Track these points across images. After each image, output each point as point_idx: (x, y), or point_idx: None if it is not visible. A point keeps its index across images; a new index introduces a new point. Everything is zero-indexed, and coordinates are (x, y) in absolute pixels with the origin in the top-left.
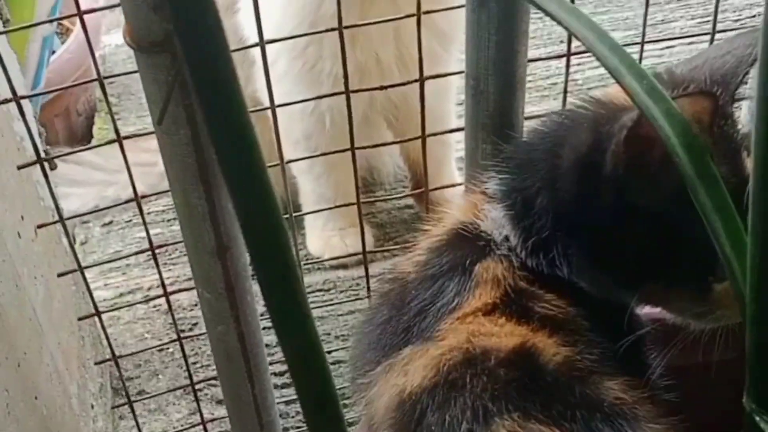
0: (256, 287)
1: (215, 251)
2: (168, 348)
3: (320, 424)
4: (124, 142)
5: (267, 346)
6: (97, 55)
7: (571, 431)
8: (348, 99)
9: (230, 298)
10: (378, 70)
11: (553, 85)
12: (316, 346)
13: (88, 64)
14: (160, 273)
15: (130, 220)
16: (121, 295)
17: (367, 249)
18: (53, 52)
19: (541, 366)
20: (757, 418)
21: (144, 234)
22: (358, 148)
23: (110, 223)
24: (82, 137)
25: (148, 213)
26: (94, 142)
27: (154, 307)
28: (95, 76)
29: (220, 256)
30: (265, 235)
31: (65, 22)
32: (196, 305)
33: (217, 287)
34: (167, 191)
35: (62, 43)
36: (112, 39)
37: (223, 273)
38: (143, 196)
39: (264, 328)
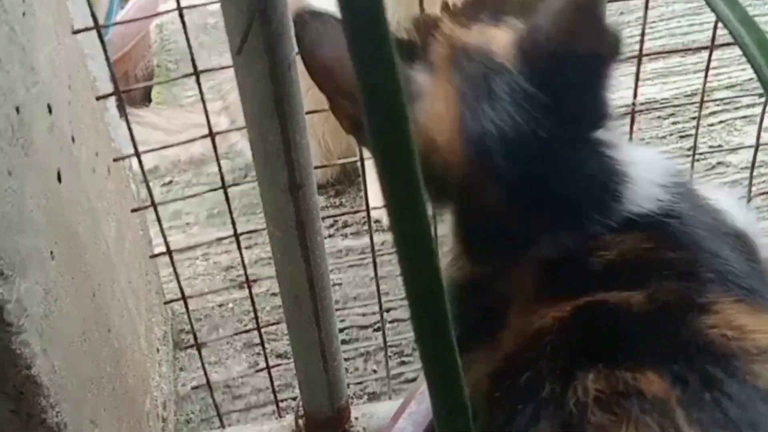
0: (325, 230)
1: (288, 188)
2: (228, 304)
3: (436, 349)
4: (185, 103)
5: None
6: (155, 22)
7: (674, 373)
8: None
9: (300, 237)
10: None
11: None
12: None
13: (147, 30)
14: (230, 211)
15: (190, 180)
16: (181, 251)
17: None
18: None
19: (620, 314)
20: None
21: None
22: None
23: (170, 182)
24: (141, 101)
25: (207, 174)
26: (152, 106)
27: (214, 263)
28: (153, 45)
29: (293, 193)
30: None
31: None
32: (255, 263)
33: (288, 225)
34: (240, 128)
35: (122, 9)
36: (170, 6)
37: (295, 210)
38: (217, 133)
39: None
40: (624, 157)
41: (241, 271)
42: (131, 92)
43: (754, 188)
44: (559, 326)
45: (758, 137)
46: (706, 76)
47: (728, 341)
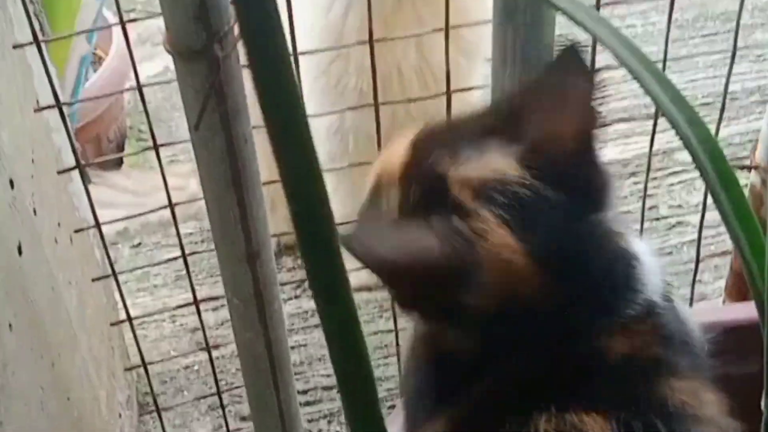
0: (283, 295)
1: (245, 257)
2: (194, 366)
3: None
4: (156, 166)
5: (293, 365)
6: (127, 85)
7: (620, 419)
8: (377, 111)
9: (258, 304)
10: (399, 84)
11: None
12: (363, 353)
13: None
14: (190, 279)
15: (158, 242)
16: (149, 314)
17: None
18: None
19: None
20: None
21: (171, 256)
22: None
23: (138, 245)
24: (112, 164)
25: (176, 236)
26: (124, 168)
27: (181, 325)
28: (126, 106)
29: (250, 262)
30: (317, 238)
31: (99, 52)
32: (222, 324)
33: (246, 293)
34: (201, 198)
35: (95, 71)
36: (145, 70)
37: (252, 279)
38: (176, 204)
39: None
40: (633, 247)
41: (208, 333)
42: (103, 154)
43: (712, 247)
44: (528, 373)
45: (705, 198)
46: (652, 141)
47: (684, 405)
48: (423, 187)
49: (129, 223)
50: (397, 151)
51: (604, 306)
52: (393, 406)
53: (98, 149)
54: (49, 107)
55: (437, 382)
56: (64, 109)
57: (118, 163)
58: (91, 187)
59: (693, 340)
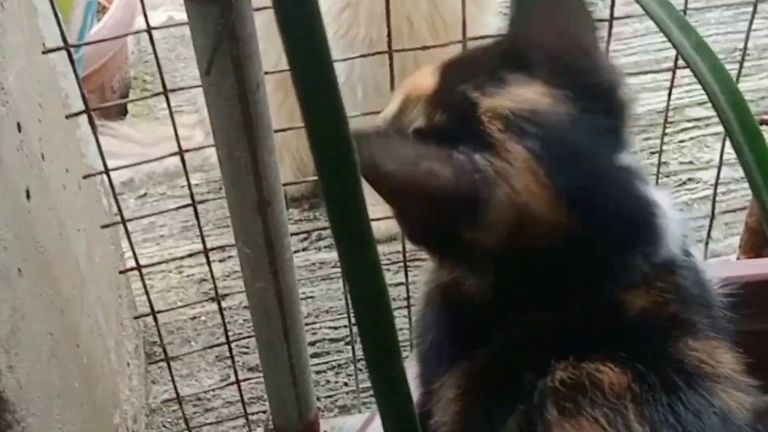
0: (294, 245)
1: (256, 205)
2: (201, 317)
3: (386, 376)
4: (160, 116)
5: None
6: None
7: (638, 372)
8: (391, 58)
9: (269, 254)
10: (410, 35)
11: None
12: (385, 297)
13: (124, 41)
14: (200, 227)
15: (164, 193)
16: (157, 263)
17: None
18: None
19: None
20: None
21: (176, 206)
22: None
23: (144, 195)
24: (116, 114)
25: (182, 187)
26: (128, 118)
27: (188, 276)
28: (129, 56)
29: (261, 211)
30: (342, 181)
31: (103, 1)
32: (228, 276)
33: (257, 242)
34: (210, 146)
35: (98, 20)
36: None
37: (263, 228)
38: (186, 150)
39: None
40: (656, 197)
41: (216, 284)
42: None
43: (724, 204)
44: (546, 325)
45: (722, 154)
46: (669, 95)
47: (701, 364)
48: (450, 113)
49: (134, 174)
50: (426, 75)
51: (624, 253)
52: (404, 358)
53: (102, 99)
54: (56, 49)
55: (451, 333)
56: (77, 43)
57: (123, 114)
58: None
59: (711, 297)
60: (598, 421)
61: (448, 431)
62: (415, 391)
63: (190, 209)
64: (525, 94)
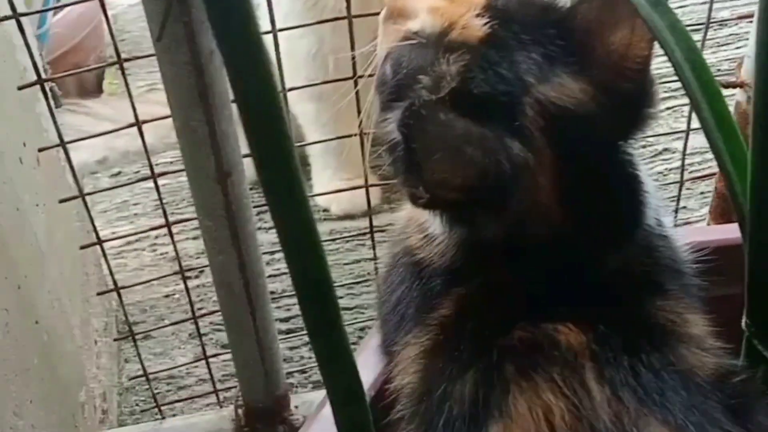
0: (264, 224)
1: (215, 177)
2: (174, 295)
3: (334, 373)
4: (135, 94)
5: (272, 293)
6: (110, 13)
7: (598, 332)
8: (350, 24)
9: (231, 226)
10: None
11: None
12: (330, 293)
13: (98, 20)
14: (161, 200)
15: (138, 171)
16: (128, 242)
17: (373, 201)
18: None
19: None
20: (755, 341)
21: (152, 185)
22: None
23: (118, 173)
24: (92, 91)
25: (157, 164)
26: (103, 96)
27: (161, 254)
28: (105, 33)
29: (221, 182)
30: (276, 158)
31: None
32: (203, 253)
33: (218, 214)
34: (167, 117)
35: None
36: None
37: (224, 199)
38: (144, 122)
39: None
40: (641, 174)
41: (189, 262)
42: (83, 82)
43: (697, 173)
44: (510, 286)
45: (689, 122)
46: None
47: (667, 323)
48: (496, 85)
49: (109, 152)
50: (472, 5)
51: (613, 230)
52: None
53: (78, 78)
54: (5, 18)
55: (416, 291)
56: (34, 29)
57: (98, 92)
58: (70, 116)
59: (682, 262)
60: (553, 379)
61: (410, 392)
62: (377, 360)
63: (163, 187)
64: (572, 91)
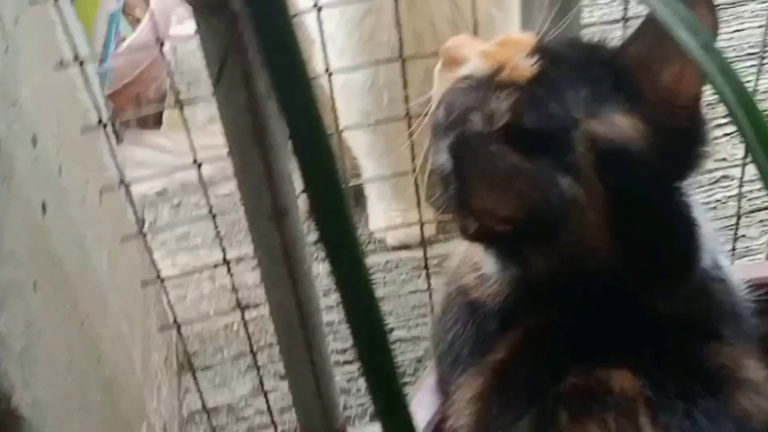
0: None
1: (272, 215)
2: (233, 326)
3: (385, 399)
4: (195, 127)
5: (329, 324)
6: (166, 46)
7: (652, 378)
8: (403, 65)
9: (287, 264)
10: (433, 37)
11: None
12: (378, 321)
13: (158, 53)
14: (219, 237)
15: (198, 202)
16: (188, 273)
17: (429, 232)
18: (122, 38)
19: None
20: None
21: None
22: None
23: (178, 205)
24: (152, 124)
25: (216, 196)
26: (163, 129)
27: (221, 285)
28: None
29: (277, 221)
30: (326, 197)
31: (135, 13)
32: (262, 283)
33: (274, 252)
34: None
35: (133, 30)
36: (182, 30)
37: (280, 237)
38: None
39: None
40: (697, 216)
41: (247, 293)
42: (143, 116)
43: (758, 202)
44: (565, 329)
45: (746, 151)
46: None
47: (722, 370)
48: (545, 120)
49: (168, 184)
50: (522, 44)
51: (666, 271)
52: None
53: (138, 110)
54: (67, 65)
55: (470, 332)
56: (96, 67)
57: (158, 124)
58: (129, 147)
59: (738, 304)
60: (607, 426)
61: None
62: (434, 398)
63: (222, 219)
64: (624, 128)
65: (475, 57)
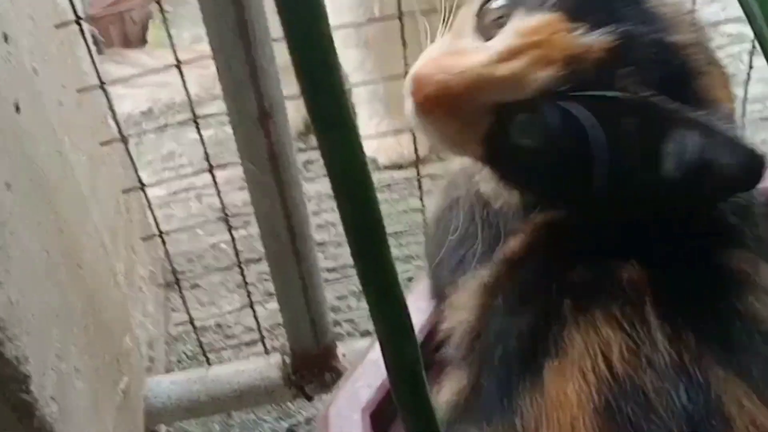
0: (310, 174)
1: (257, 118)
2: (220, 244)
3: (385, 310)
4: (180, 45)
5: (319, 244)
6: None
7: (658, 270)
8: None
9: (273, 168)
10: None
11: None
12: (381, 234)
13: None
14: (204, 146)
15: (184, 122)
16: (175, 193)
17: (422, 150)
18: None
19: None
20: None
21: (197, 135)
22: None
23: (165, 125)
24: (136, 43)
25: (202, 116)
26: (147, 47)
27: (208, 205)
28: None
29: (263, 123)
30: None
31: None
32: (249, 204)
33: (261, 156)
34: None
35: None
36: None
37: (266, 140)
38: (184, 63)
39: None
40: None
41: (235, 211)
42: (127, 34)
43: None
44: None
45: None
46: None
47: (739, 273)
48: None
49: (153, 103)
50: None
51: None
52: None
53: (122, 29)
54: None
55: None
56: None
57: (142, 42)
58: (114, 66)
59: (757, 214)
60: (612, 313)
61: (466, 328)
62: (427, 303)
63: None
64: None
65: None
